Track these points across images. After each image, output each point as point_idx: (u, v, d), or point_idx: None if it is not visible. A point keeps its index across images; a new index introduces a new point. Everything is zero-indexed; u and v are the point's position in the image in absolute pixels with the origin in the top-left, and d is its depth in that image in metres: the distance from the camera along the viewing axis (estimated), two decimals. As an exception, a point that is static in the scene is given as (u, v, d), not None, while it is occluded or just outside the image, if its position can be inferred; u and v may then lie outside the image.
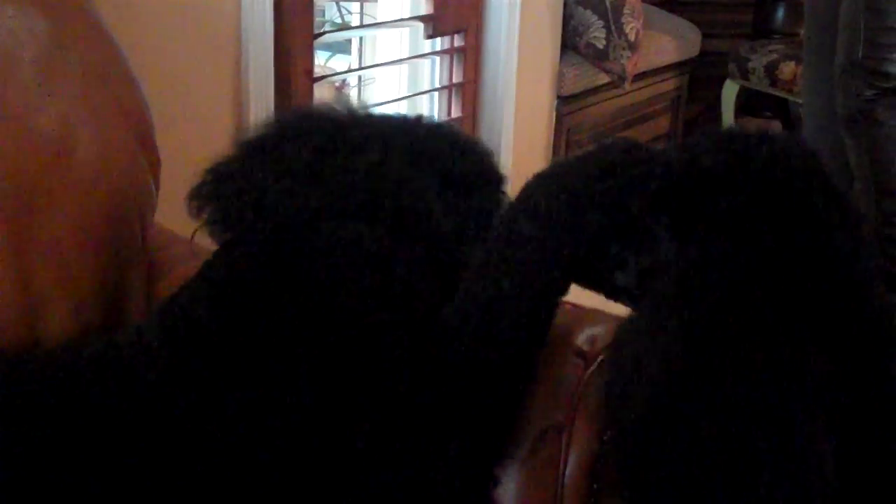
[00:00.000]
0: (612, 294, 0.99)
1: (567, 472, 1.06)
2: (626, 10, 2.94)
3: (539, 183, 0.96)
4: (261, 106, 2.00)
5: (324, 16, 3.13)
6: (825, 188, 0.88)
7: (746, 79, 3.66)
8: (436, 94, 2.62)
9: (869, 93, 1.73)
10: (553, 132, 3.00)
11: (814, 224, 0.85)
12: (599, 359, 1.09)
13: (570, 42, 2.98)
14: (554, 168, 0.98)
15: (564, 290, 0.98)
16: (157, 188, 1.32)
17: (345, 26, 3.00)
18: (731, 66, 3.71)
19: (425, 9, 2.48)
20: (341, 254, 0.97)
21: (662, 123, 3.59)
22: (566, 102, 3.00)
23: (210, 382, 0.94)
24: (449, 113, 2.64)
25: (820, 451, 0.78)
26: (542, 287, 0.96)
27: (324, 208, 0.99)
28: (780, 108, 4.03)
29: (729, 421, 0.78)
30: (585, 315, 1.14)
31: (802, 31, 2.10)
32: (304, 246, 0.98)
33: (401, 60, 2.53)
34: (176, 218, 1.55)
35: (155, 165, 1.31)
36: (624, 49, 2.95)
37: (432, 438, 0.96)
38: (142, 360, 0.96)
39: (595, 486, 1.06)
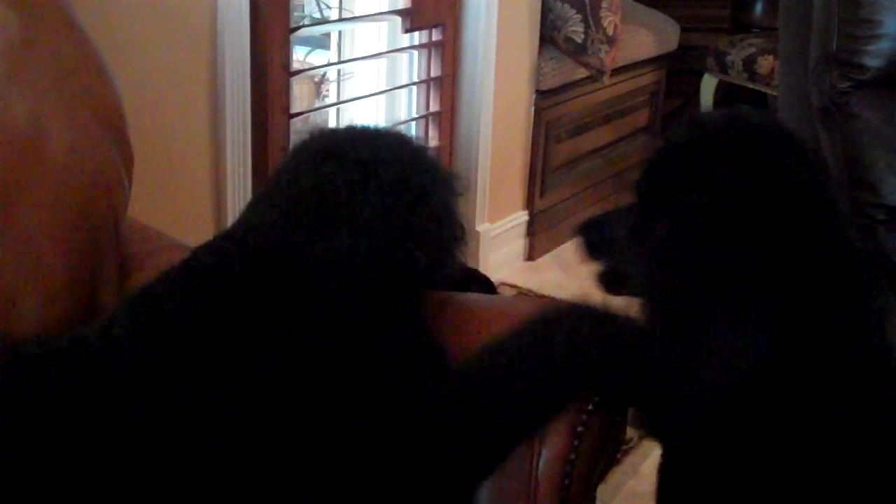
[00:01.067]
0: None
1: (540, 466, 1.06)
2: (604, 5, 2.94)
3: (547, 327, 1.08)
4: (236, 100, 1.99)
5: (303, 11, 3.12)
6: (783, 137, 1.06)
7: (725, 73, 3.67)
8: (414, 88, 2.62)
9: (843, 85, 1.73)
10: (532, 126, 3.01)
11: (772, 163, 1.04)
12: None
13: (549, 36, 2.98)
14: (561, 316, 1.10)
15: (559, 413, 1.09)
16: (131, 182, 1.31)
17: (322, 20, 2.99)
18: (710, 61, 3.72)
19: (403, 2, 2.48)
20: (329, 261, 1.00)
21: (641, 117, 3.59)
22: (545, 97, 3.00)
23: (179, 378, 0.93)
24: (427, 107, 2.64)
25: (753, 326, 0.99)
26: (544, 405, 1.06)
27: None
28: (759, 102, 4.05)
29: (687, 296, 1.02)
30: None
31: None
32: (293, 253, 1.00)
33: (379, 55, 2.53)
34: (150, 212, 1.55)
35: (128, 160, 1.31)
36: (602, 43, 2.95)
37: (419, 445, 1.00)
38: (110, 353, 0.96)
39: (567, 480, 1.07)
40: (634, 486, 2.01)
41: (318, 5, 3.12)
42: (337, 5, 2.90)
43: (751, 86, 3.64)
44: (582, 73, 3.04)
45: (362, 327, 0.99)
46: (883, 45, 1.71)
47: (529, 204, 3.09)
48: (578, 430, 1.08)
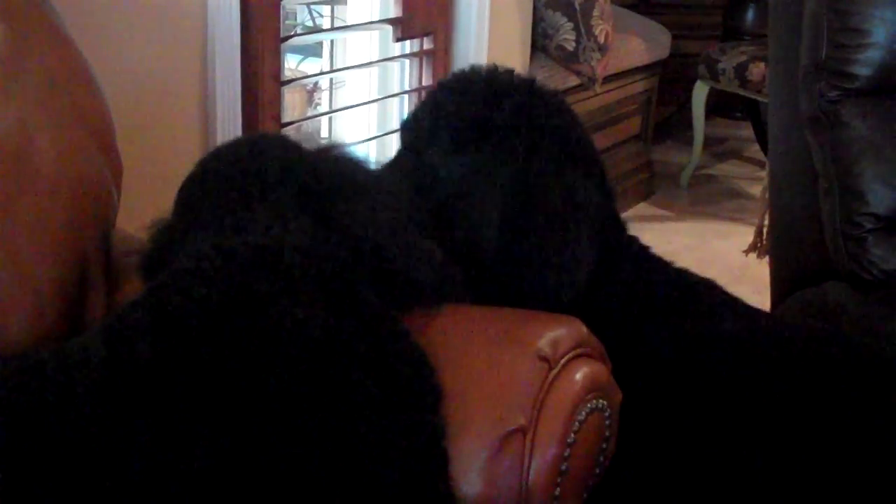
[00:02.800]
0: None
1: (530, 474, 1.06)
2: (595, 13, 2.94)
3: None
4: (227, 110, 1.99)
5: (296, 19, 3.12)
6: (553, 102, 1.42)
7: (716, 80, 3.68)
8: (405, 97, 2.62)
9: (833, 94, 1.73)
10: (524, 134, 3.00)
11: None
12: (562, 362, 1.10)
13: (540, 44, 2.98)
14: None
15: None
16: (119, 194, 1.31)
17: (313, 29, 2.99)
18: (702, 68, 3.73)
19: (394, 11, 2.48)
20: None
21: (633, 125, 3.60)
22: (536, 104, 2.99)
23: (137, 413, 0.94)
24: (419, 116, 2.63)
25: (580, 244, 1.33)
26: None
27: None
28: (751, 109, 4.06)
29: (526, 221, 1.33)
30: (548, 319, 1.15)
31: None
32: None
33: (370, 63, 2.53)
34: (139, 222, 1.54)
35: (117, 171, 1.30)
36: (594, 51, 2.96)
37: None
38: (80, 373, 0.96)
39: (558, 490, 1.07)
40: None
41: (311, 14, 3.12)
42: (329, 14, 2.90)
43: (742, 93, 3.65)
44: (574, 80, 3.04)
45: (338, 350, 1.00)
46: (872, 54, 1.71)
47: (522, 212, 3.09)
48: (569, 439, 1.08)
